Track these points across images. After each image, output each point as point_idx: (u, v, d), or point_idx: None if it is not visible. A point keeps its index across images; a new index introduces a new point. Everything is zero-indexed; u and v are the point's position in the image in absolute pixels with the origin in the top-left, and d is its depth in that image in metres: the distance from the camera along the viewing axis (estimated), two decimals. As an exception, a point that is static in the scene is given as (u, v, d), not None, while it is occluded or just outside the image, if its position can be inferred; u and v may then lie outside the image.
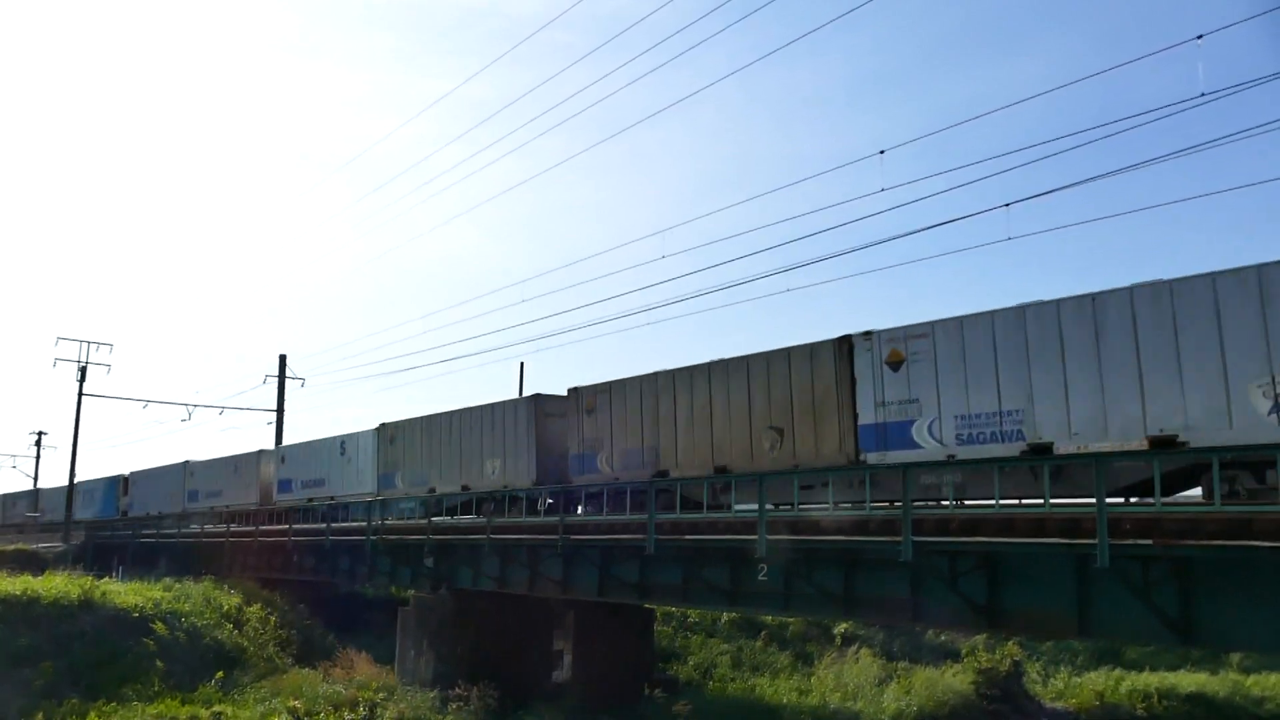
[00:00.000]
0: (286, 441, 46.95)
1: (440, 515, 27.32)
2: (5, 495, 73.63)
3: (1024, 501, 16.18)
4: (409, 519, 28.44)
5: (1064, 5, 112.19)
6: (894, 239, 30.77)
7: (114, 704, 22.79)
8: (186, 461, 46.78)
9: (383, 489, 31.92)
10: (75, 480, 55.87)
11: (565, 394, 25.73)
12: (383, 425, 32.71)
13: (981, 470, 15.90)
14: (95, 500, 56.78)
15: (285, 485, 38.19)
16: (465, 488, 27.94)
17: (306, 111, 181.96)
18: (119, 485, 53.66)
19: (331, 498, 34.31)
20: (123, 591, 29.00)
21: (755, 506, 16.68)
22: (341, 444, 35.03)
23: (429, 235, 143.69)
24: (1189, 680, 30.07)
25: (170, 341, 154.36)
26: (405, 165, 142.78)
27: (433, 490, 29.23)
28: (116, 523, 51.79)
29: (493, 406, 27.82)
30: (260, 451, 40.94)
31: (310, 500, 35.66)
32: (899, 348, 17.58)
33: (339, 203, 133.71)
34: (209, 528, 39.92)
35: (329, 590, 34.10)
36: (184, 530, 42.27)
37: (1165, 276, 15.02)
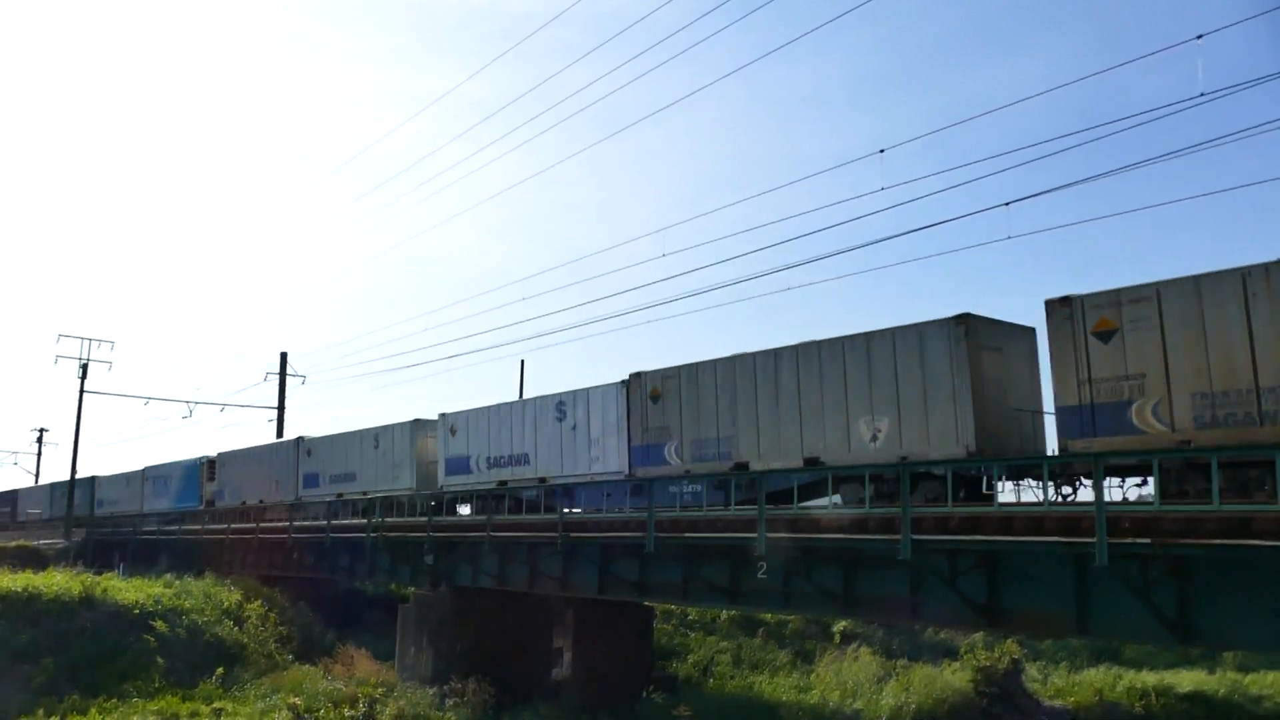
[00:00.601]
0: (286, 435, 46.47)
1: (758, 501, 17.04)
2: (53, 484, 63.29)
3: (1022, 501, 16.20)
4: (689, 507, 20.80)
5: (1064, 5, 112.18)
6: (894, 238, 30.63)
7: (115, 700, 22.90)
8: (301, 438, 38.39)
9: (640, 466, 23.22)
10: (152, 465, 50.89)
11: (1003, 321, 18.20)
12: (637, 375, 23.82)
13: None
14: (170, 488, 47.76)
15: (458, 465, 29.54)
16: (813, 461, 19.25)
17: (307, 110, 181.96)
18: (201, 470, 45.20)
19: (541, 479, 25.97)
20: (123, 588, 29.07)
21: None
22: (559, 405, 26.07)
23: (430, 233, 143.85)
24: (1187, 679, 30.11)
25: (171, 339, 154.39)
26: (406, 163, 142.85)
27: (741, 465, 20.73)
28: (202, 514, 42.30)
29: (869, 336, 18.73)
30: (416, 421, 31.86)
31: (503, 484, 27.35)
32: None
33: (339, 201, 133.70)
34: (211, 525, 39.89)
35: (329, 587, 34.12)
36: (185, 527, 42.22)
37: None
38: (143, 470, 51.04)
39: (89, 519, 53.74)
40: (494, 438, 28.17)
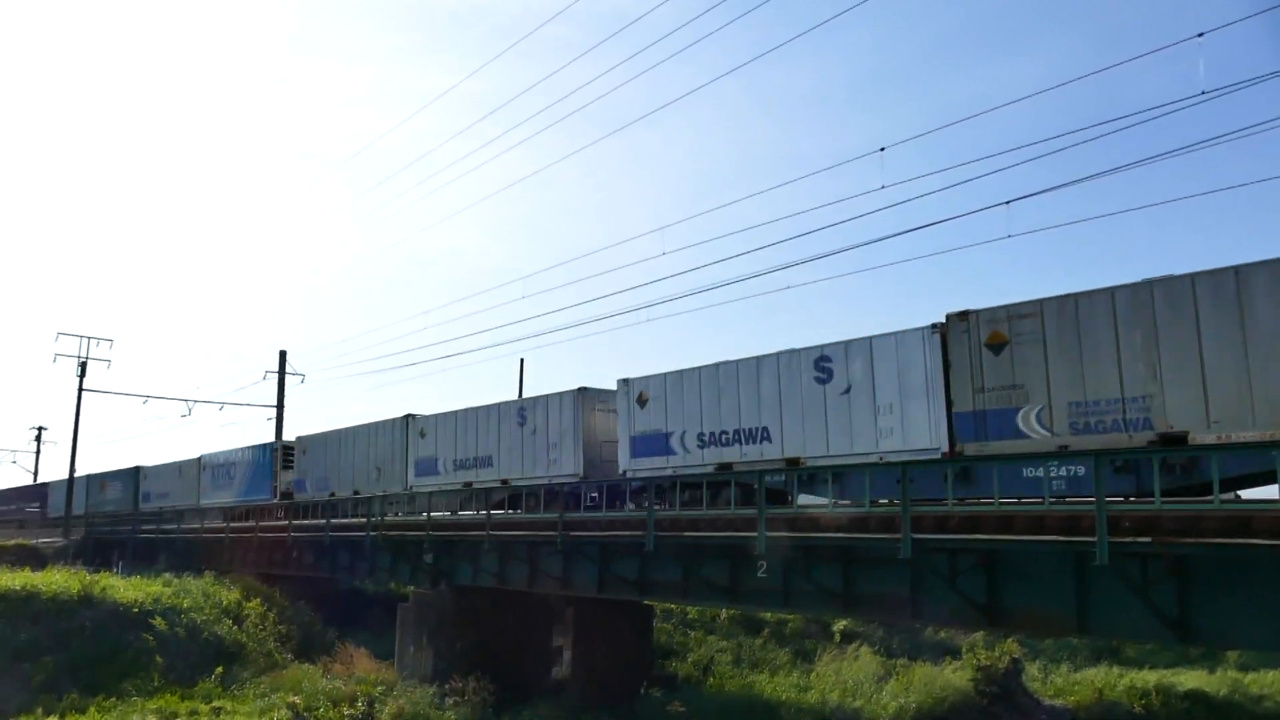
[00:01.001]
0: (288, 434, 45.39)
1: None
2: (91, 476, 56.57)
3: (1023, 500, 16.17)
4: (1061, 498, 15.92)
5: (1064, 5, 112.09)
6: (893, 236, 30.69)
7: (114, 699, 22.87)
8: (412, 415, 31.57)
9: (971, 440, 17.44)
10: (213, 451, 45.36)
11: None
12: (962, 314, 17.70)
13: None
14: (234, 478, 41.85)
15: (652, 444, 23.27)
16: None
17: (307, 108, 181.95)
18: (274, 456, 38.95)
19: (790, 461, 20.10)
20: (122, 587, 29.05)
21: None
22: (820, 363, 19.89)
23: (429, 231, 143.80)
24: (1188, 678, 30.12)
25: (170, 337, 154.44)
26: (406, 161, 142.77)
27: (1172, 438, 15.10)
28: (276, 509, 35.83)
29: None
30: (581, 390, 25.59)
31: (725, 468, 21.15)
32: None
33: (339, 199, 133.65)
34: (209, 523, 39.81)
35: (329, 586, 34.08)
36: (184, 525, 42.15)
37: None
38: (199, 459, 45.20)
39: (133, 514, 48.05)
40: (710, 408, 22.11)
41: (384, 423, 32.80)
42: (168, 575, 32.35)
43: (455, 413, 29.63)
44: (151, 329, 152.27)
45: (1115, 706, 28.62)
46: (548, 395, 26.51)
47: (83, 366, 52.52)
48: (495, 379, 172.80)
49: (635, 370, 23.05)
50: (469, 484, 28.08)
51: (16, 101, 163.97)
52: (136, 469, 51.60)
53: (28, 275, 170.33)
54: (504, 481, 26.99)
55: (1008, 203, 16.22)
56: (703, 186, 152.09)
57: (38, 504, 66.35)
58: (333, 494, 34.13)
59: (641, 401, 23.89)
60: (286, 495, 37.61)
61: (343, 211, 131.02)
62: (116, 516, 49.59)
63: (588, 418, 25.45)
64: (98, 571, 32.19)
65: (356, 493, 32.29)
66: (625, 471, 23.85)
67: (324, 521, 30.71)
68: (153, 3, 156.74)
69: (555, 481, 24.99)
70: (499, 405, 28.06)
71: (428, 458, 30.47)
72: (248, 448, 41.68)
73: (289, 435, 45.73)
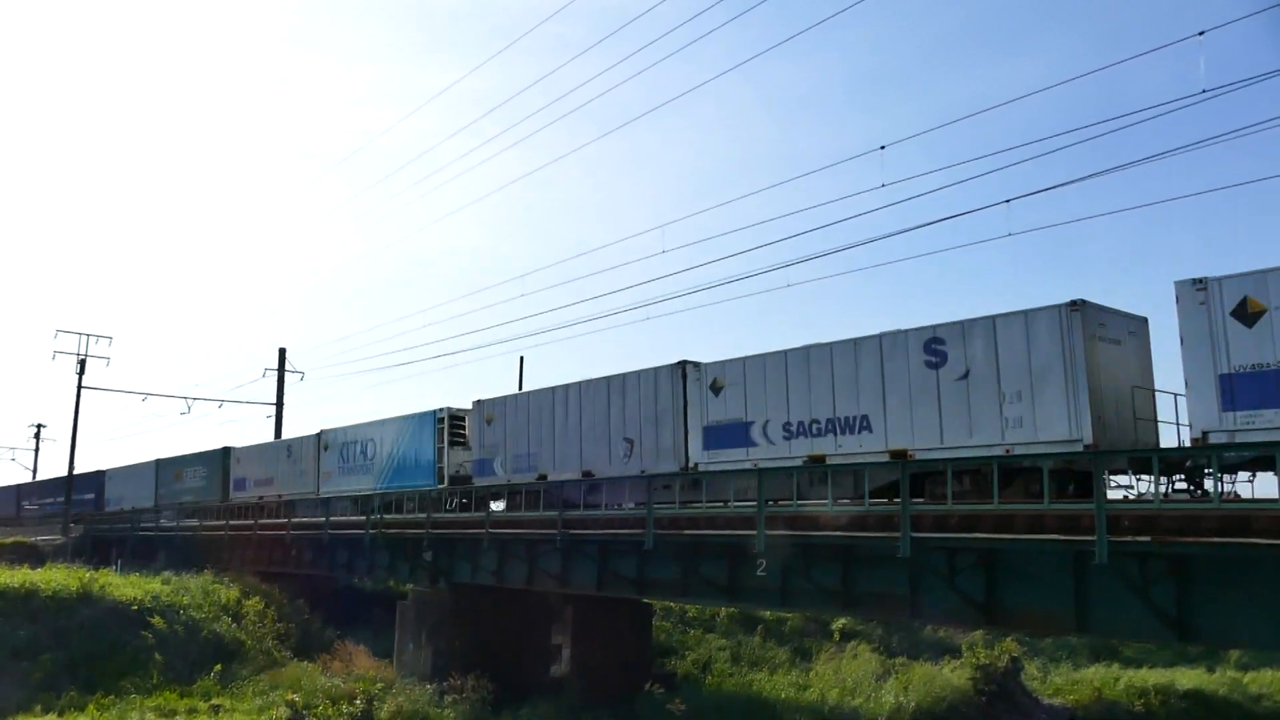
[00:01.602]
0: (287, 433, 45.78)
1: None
2: (161, 461, 49.44)
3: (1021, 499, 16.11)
4: None
5: (1064, 5, 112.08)
6: (894, 235, 30.39)
7: (112, 696, 22.92)
8: (689, 363, 22.40)
9: None
10: (338, 427, 36.26)
11: None
12: None
13: None
14: (372, 460, 32.95)
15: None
16: None
17: (306, 106, 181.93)
18: (437, 429, 29.56)
19: None
20: (121, 585, 29.08)
21: None
22: None
23: (429, 229, 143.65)
24: (1187, 677, 30.15)
25: (169, 335, 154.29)
26: (405, 159, 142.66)
27: None
28: (447, 496, 28.41)
29: None
30: (1078, 306, 15.53)
31: None
32: None
33: (339, 197, 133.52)
34: (207, 521, 39.71)
35: (328, 584, 34.01)
36: (183, 523, 42.09)
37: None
38: (319, 435, 36.58)
39: (219, 507, 40.35)
40: None
41: (639, 374, 23.43)
42: (167, 573, 32.37)
43: (785, 353, 20.08)
44: (151, 326, 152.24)
45: (1114, 706, 28.66)
46: (994, 316, 16.69)
47: (82, 364, 52.44)
48: (494, 378, 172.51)
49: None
50: (817, 458, 19.03)
51: (16, 100, 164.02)
52: (225, 450, 43.78)
53: (27, 272, 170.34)
54: (896, 454, 17.50)
55: (1007, 201, 16.13)
56: (703, 185, 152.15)
57: (92, 494, 58.96)
58: (541, 476, 25.25)
59: (1249, 316, 13.45)
60: (459, 480, 28.87)
61: (342, 210, 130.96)
62: (198, 508, 42.24)
63: (1092, 350, 15.54)
64: (97, 569, 32.19)
65: (588, 474, 23.70)
66: (1207, 435, 13.59)
67: (323, 520, 30.66)
68: (152, 1, 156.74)
69: (1023, 453, 15.69)
70: (881, 337, 18.40)
71: (729, 422, 20.91)
72: (392, 420, 32.12)
73: (288, 434, 45.73)
